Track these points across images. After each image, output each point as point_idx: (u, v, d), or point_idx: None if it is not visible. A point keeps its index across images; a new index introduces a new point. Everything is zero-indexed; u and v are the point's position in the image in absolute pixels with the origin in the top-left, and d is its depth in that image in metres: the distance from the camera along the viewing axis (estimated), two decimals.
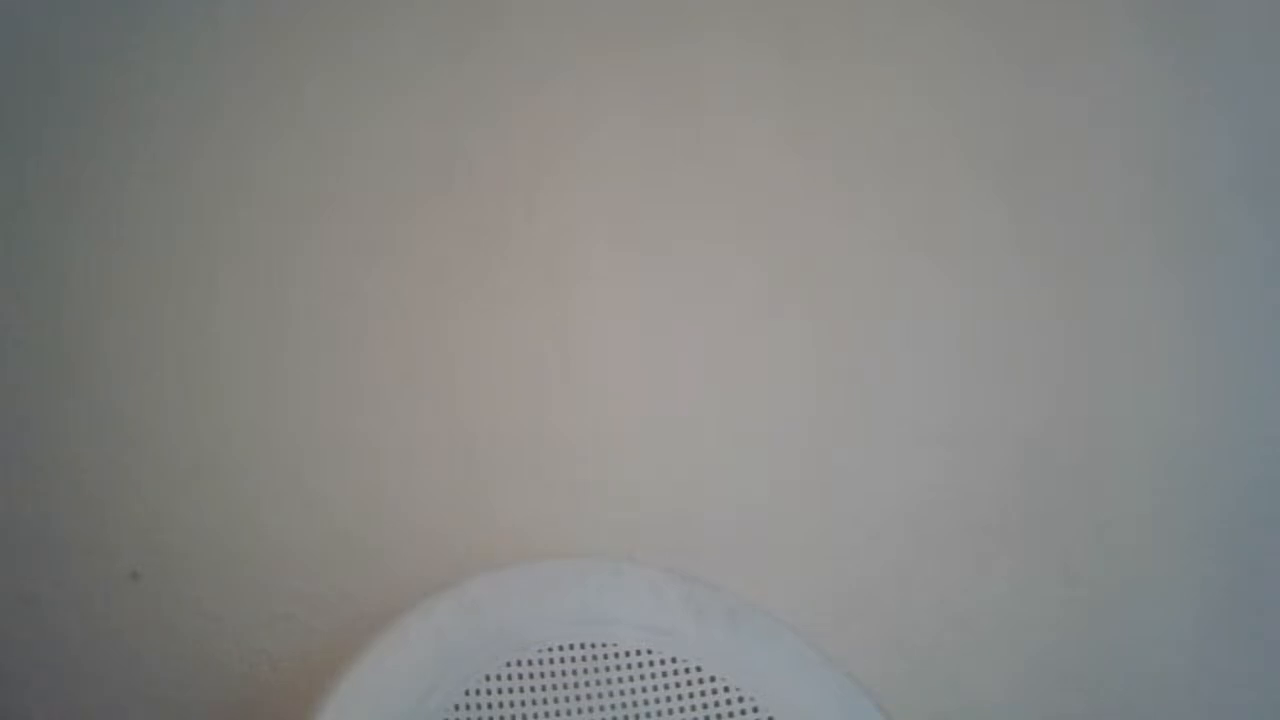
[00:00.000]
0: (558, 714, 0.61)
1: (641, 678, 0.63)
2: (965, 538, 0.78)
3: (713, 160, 0.77)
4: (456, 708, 0.59)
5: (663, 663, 0.63)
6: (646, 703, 0.62)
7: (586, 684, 0.62)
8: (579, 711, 0.61)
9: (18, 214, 0.73)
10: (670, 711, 0.62)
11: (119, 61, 0.73)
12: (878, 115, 0.78)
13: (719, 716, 0.63)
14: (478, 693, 0.60)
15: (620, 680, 0.62)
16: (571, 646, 0.63)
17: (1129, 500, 0.78)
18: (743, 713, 0.63)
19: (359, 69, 0.75)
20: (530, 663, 0.61)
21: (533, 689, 0.61)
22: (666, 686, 0.63)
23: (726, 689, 0.63)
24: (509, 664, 0.61)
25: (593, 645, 0.63)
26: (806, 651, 0.67)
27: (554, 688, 0.61)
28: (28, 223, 0.73)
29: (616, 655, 0.63)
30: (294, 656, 0.73)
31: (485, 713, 0.59)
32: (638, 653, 0.63)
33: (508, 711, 0.60)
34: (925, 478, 0.78)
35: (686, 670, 0.63)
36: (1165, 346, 0.79)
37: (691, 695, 0.63)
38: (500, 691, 0.60)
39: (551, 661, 0.62)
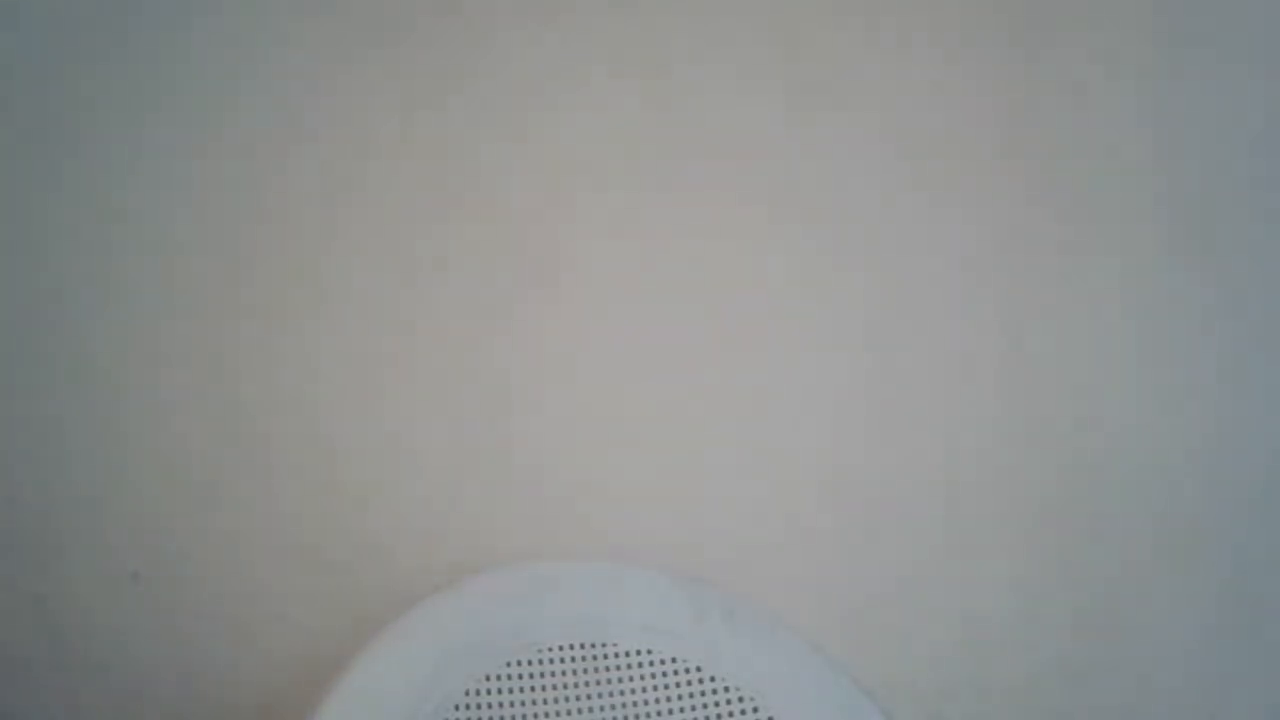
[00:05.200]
0: (558, 714, 0.61)
1: (641, 678, 0.63)
2: (965, 538, 0.78)
3: (715, 158, 0.77)
4: (456, 708, 0.59)
5: (663, 663, 0.63)
6: (646, 703, 0.62)
7: (586, 684, 0.62)
8: (579, 711, 0.61)
9: (19, 214, 0.73)
10: (670, 711, 0.62)
11: (121, 64, 0.73)
12: (878, 114, 0.78)
13: (719, 716, 0.63)
14: (478, 693, 0.60)
15: (620, 680, 0.62)
16: (571, 646, 0.63)
17: (1129, 500, 0.78)
18: (743, 713, 0.63)
19: (360, 69, 0.74)
20: (530, 663, 0.61)
21: (533, 689, 0.61)
22: (666, 686, 0.63)
23: (726, 689, 0.63)
24: (509, 664, 0.61)
25: (593, 645, 0.63)
26: (806, 651, 0.67)
27: (554, 688, 0.61)
28: (29, 223, 0.73)
29: (616, 655, 0.63)
30: (294, 656, 0.73)
31: (485, 713, 0.59)
32: (638, 653, 0.63)
33: (508, 711, 0.60)
34: (926, 477, 0.78)
35: (686, 670, 0.63)
36: (1165, 346, 0.79)
37: (691, 695, 0.63)
38: (500, 691, 0.60)
39: (551, 661, 0.62)
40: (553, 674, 0.62)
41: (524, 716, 0.60)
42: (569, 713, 0.61)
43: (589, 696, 0.62)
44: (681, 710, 0.62)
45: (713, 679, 0.63)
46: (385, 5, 0.74)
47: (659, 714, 0.62)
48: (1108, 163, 0.79)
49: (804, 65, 0.77)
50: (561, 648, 0.62)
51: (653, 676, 0.63)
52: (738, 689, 0.63)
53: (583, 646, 0.63)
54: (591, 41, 0.76)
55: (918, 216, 0.78)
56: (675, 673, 0.63)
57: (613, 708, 0.62)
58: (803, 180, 0.78)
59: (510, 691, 0.60)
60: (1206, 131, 0.79)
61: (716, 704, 0.63)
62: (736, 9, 0.76)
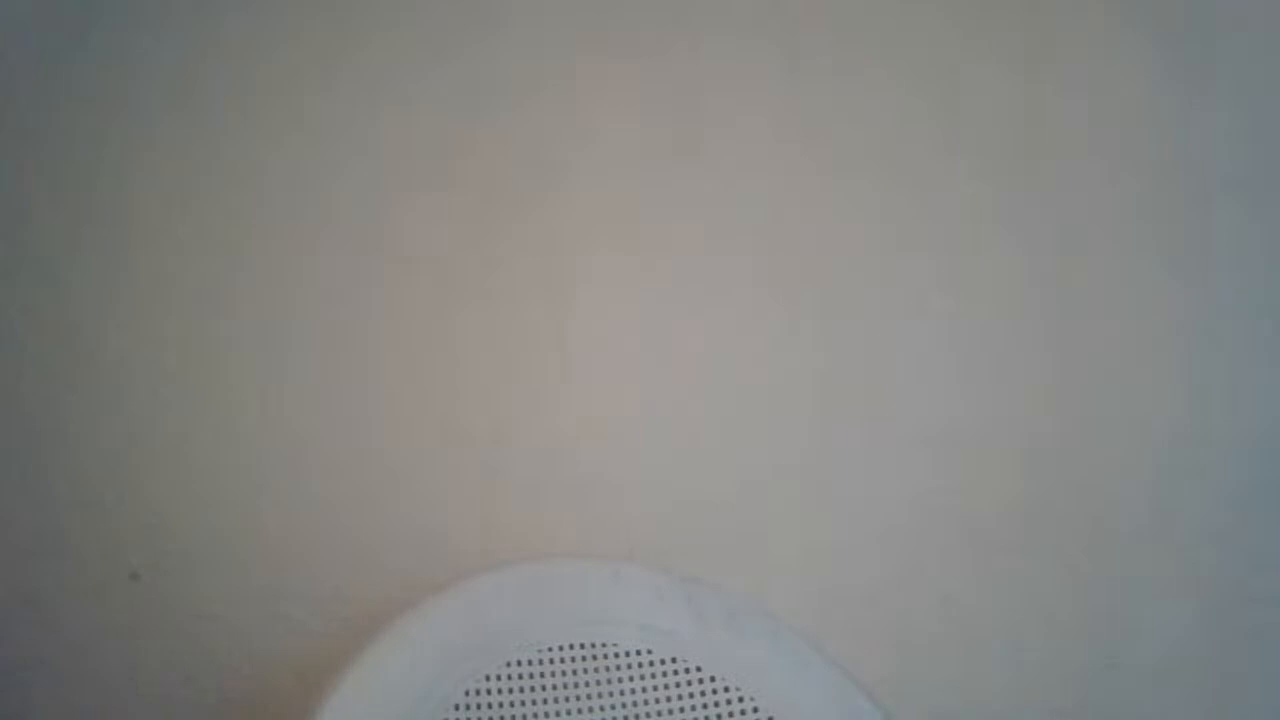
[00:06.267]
0: (558, 714, 0.61)
1: (641, 678, 0.63)
2: (965, 537, 0.78)
3: (712, 160, 0.77)
4: (456, 708, 0.59)
5: (663, 663, 0.63)
6: (646, 703, 0.62)
7: (586, 684, 0.62)
8: (579, 711, 0.61)
9: (20, 215, 0.73)
10: (670, 711, 0.62)
11: (121, 66, 0.73)
12: (877, 116, 0.78)
13: (719, 716, 0.63)
14: (478, 693, 0.60)
15: (620, 680, 0.62)
16: (571, 646, 0.63)
17: (1129, 500, 0.78)
18: (743, 713, 0.63)
19: (358, 70, 0.75)
20: (530, 663, 0.61)
21: (533, 689, 0.61)
22: (666, 686, 0.63)
23: (726, 689, 0.63)
24: (509, 664, 0.61)
25: (593, 645, 0.63)
26: (806, 651, 0.67)
27: (554, 688, 0.61)
28: (30, 224, 0.73)
29: (616, 655, 0.63)
30: (294, 657, 0.73)
31: (485, 713, 0.59)
32: (638, 653, 0.63)
33: (508, 711, 0.60)
34: (925, 478, 0.78)
35: (686, 670, 0.63)
36: (1165, 346, 0.79)
37: (691, 695, 0.63)
38: (500, 691, 0.60)
39: (551, 661, 0.62)
40: (553, 674, 0.62)
41: (524, 716, 0.60)
42: (569, 713, 0.61)
43: (589, 696, 0.62)
44: (681, 710, 0.62)
45: (713, 679, 0.63)
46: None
47: (659, 714, 0.62)
48: (1105, 162, 0.79)
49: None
50: (561, 648, 0.62)
51: (653, 676, 0.63)
52: (738, 689, 0.63)
53: (583, 646, 0.63)
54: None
55: (916, 218, 0.78)
56: (675, 673, 0.63)
57: (613, 708, 0.62)
58: (796, 192, 0.78)
59: (510, 691, 0.60)
60: (1205, 131, 0.79)
61: (716, 704, 0.63)
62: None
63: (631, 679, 0.63)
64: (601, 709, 0.61)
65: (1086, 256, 0.79)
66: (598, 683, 0.62)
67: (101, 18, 0.73)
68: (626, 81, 0.76)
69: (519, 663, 0.61)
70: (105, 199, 0.73)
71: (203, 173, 0.73)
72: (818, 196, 0.78)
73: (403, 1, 0.75)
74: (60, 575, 0.73)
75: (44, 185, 0.73)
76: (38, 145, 0.73)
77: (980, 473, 0.78)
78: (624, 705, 0.62)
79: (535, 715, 0.60)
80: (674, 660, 0.63)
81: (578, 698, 0.61)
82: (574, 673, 0.62)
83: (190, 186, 0.73)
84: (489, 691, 0.60)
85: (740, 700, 0.63)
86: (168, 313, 0.73)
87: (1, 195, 0.73)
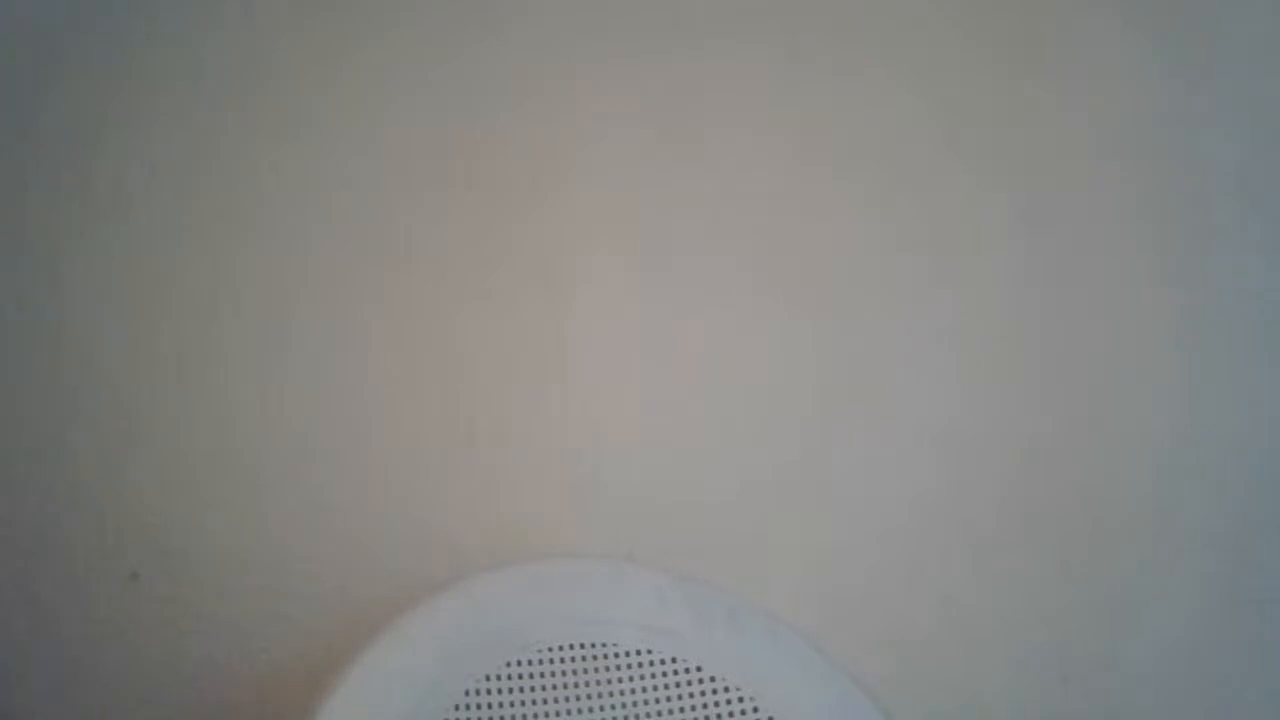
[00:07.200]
0: (558, 714, 0.61)
1: (641, 678, 0.63)
2: (965, 537, 0.78)
3: (712, 160, 0.77)
4: (456, 708, 0.59)
5: (663, 663, 0.63)
6: (646, 703, 0.62)
7: (586, 684, 0.62)
8: (579, 711, 0.61)
9: (18, 214, 0.73)
10: (670, 711, 0.62)
11: (121, 62, 0.73)
12: (878, 118, 0.78)
13: (719, 716, 0.63)
14: (478, 693, 0.60)
15: (620, 680, 0.62)
16: (571, 646, 0.63)
17: (1129, 500, 0.78)
18: (743, 713, 0.63)
19: (358, 70, 0.75)
20: (530, 663, 0.61)
21: (533, 689, 0.61)
22: (666, 686, 0.63)
23: (726, 689, 0.63)
24: (509, 664, 0.61)
25: (593, 645, 0.63)
26: (806, 651, 0.67)
27: (554, 688, 0.61)
28: (28, 223, 0.73)
29: (617, 655, 0.63)
30: (294, 656, 0.73)
31: (485, 713, 0.59)
32: (638, 653, 0.63)
33: (508, 711, 0.60)
34: (925, 478, 0.78)
35: (687, 670, 0.63)
36: (1164, 346, 0.79)
37: (691, 695, 0.63)
38: (500, 691, 0.60)
39: (551, 661, 0.62)
40: (553, 674, 0.62)
41: (524, 716, 0.60)
42: (569, 713, 0.61)
43: (589, 696, 0.62)
44: (681, 710, 0.62)
45: (713, 679, 0.63)
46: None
47: (659, 714, 0.62)
48: (1105, 162, 0.79)
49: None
50: (561, 648, 0.62)
51: (653, 676, 0.63)
52: (738, 689, 0.63)
53: (583, 646, 0.63)
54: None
55: (916, 218, 0.78)
56: (675, 673, 0.63)
57: (613, 708, 0.62)
58: (796, 192, 0.78)
59: (510, 691, 0.60)
60: (1205, 131, 0.79)
61: (716, 704, 0.63)
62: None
63: (631, 679, 0.63)
64: (601, 709, 0.61)
65: (1086, 256, 0.79)
66: (598, 683, 0.62)
67: (100, 17, 0.73)
68: (626, 81, 0.76)
69: (519, 663, 0.61)
70: (104, 198, 0.73)
71: (203, 173, 0.73)
72: (817, 196, 0.78)
73: (403, 1, 0.75)
74: (60, 575, 0.73)
75: (43, 184, 0.73)
76: (37, 144, 0.73)
77: (980, 473, 0.78)
78: (624, 705, 0.62)
79: (535, 715, 0.60)
80: (674, 660, 0.64)
81: (578, 698, 0.61)
82: (574, 673, 0.62)
83: (190, 186, 0.73)
84: (489, 691, 0.60)
85: (740, 700, 0.63)
86: (167, 312, 0.73)
87: (1, 194, 0.73)
